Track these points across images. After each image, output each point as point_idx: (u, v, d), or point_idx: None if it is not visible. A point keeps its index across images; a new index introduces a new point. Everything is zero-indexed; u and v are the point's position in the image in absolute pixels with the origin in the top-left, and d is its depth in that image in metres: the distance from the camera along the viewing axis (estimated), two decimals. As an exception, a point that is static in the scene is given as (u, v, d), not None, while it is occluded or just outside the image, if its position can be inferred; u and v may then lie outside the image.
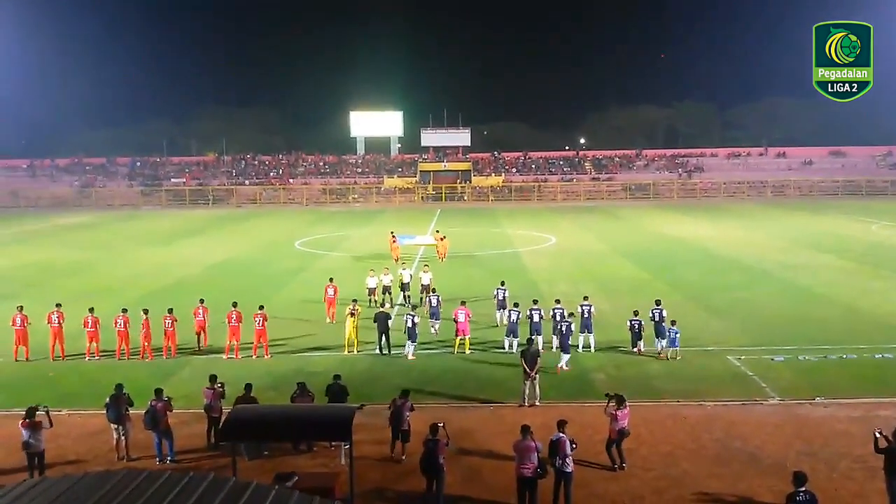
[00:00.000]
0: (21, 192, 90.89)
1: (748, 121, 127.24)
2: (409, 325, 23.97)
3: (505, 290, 28.28)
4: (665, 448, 17.01)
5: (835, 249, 45.02)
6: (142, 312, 24.80)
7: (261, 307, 25.10)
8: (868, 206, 73.97)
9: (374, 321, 24.52)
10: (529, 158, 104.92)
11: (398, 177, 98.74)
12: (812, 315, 28.82)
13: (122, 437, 17.04)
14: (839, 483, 15.15)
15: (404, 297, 31.55)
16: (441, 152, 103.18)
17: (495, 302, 28.24)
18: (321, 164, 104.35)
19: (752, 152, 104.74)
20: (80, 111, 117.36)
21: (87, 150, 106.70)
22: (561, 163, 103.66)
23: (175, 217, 75.88)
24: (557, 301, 25.11)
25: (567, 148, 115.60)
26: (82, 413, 19.55)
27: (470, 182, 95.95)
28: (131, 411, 17.24)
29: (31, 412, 16.08)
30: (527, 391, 19.86)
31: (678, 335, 23.39)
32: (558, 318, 23.92)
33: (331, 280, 30.07)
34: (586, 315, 24.25)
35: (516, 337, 24.09)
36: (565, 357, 22.62)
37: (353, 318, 24.67)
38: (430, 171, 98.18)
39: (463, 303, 25.16)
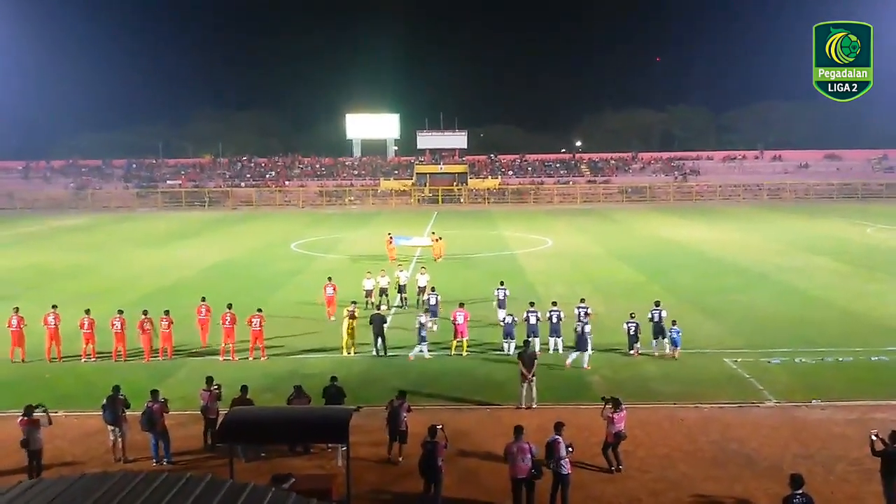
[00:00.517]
0: (16, 193, 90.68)
1: (744, 124, 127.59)
2: (417, 325, 24.24)
3: (505, 289, 28.57)
4: (662, 450, 17.02)
5: (831, 252, 45.11)
6: (141, 314, 24.86)
7: (259, 310, 25.10)
8: (863, 210, 74.19)
9: (370, 323, 24.53)
10: (526, 161, 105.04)
11: (394, 179, 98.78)
12: (808, 317, 28.87)
13: (119, 439, 17.00)
14: (836, 486, 15.17)
15: (401, 298, 31.56)
16: (437, 155, 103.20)
17: (496, 302, 28.49)
18: (317, 166, 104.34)
19: (747, 156, 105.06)
20: (76, 113, 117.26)
21: (83, 153, 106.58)
22: (557, 165, 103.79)
23: (171, 219, 75.77)
24: (554, 303, 25.13)
25: (563, 151, 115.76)
26: (79, 414, 19.50)
27: (466, 184, 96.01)
28: (128, 413, 17.21)
29: (28, 410, 16.11)
30: (524, 393, 19.87)
31: (680, 334, 23.56)
32: (555, 319, 24.05)
33: (329, 279, 30.36)
34: (583, 317, 24.24)
35: (513, 339, 24.13)
36: (586, 355, 22.78)
37: (350, 320, 24.65)
38: (426, 174, 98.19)
39: (461, 305, 25.16)
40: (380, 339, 24.42)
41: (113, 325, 24.24)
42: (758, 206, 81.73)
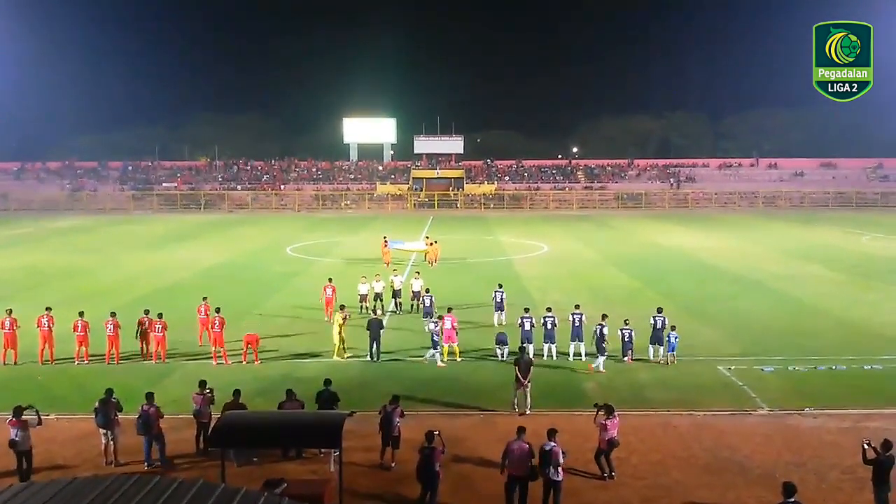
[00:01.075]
0: (11, 194, 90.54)
1: (740, 132, 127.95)
2: (427, 331, 24.48)
3: (503, 292, 28.89)
4: (655, 457, 17.02)
5: (825, 261, 45.21)
6: (142, 312, 25.13)
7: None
8: (859, 218, 74.40)
9: (367, 328, 24.49)
10: (522, 167, 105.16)
11: (391, 183, 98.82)
12: (802, 326, 28.92)
13: (111, 442, 16.95)
14: (828, 494, 15.18)
15: (395, 303, 31.54)
16: (434, 159, 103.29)
17: (494, 304, 28.68)
18: (314, 170, 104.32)
19: (743, 163, 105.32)
20: (73, 115, 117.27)
21: (80, 154, 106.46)
22: (553, 171, 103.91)
23: (166, 221, 75.68)
24: (549, 309, 25.13)
25: (560, 157, 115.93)
26: (70, 417, 19.45)
27: (462, 189, 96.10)
28: (122, 416, 17.17)
29: (18, 411, 16.08)
30: (517, 399, 19.87)
31: (677, 340, 23.66)
32: (549, 325, 24.09)
33: (329, 280, 30.65)
34: (577, 324, 24.25)
35: (506, 345, 24.17)
36: (601, 359, 22.99)
37: (342, 324, 24.65)
38: (422, 179, 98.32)
39: (450, 310, 25.15)
40: (375, 345, 24.40)
41: (107, 326, 24.19)
42: (753, 214, 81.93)
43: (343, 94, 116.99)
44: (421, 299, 29.96)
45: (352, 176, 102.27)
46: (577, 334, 24.25)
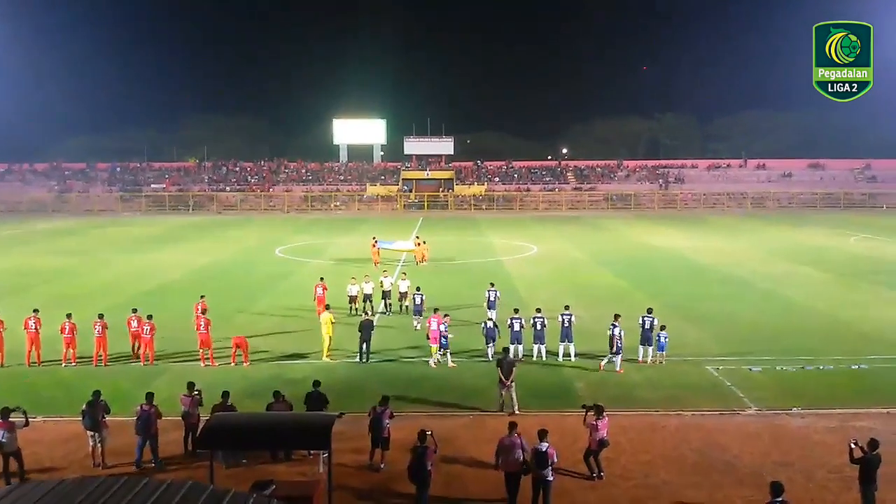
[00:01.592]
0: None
1: (729, 133, 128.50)
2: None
3: (495, 290, 29.13)
4: (644, 457, 17.07)
5: (813, 261, 45.45)
6: (131, 311, 25.22)
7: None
8: (846, 219, 74.85)
9: (360, 329, 24.44)
10: (512, 168, 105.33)
11: (381, 185, 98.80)
12: (790, 326, 29.06)
13: (99, 444, 16.87)
14: (815, 493, 15.26)
15: (385, 304, 31.55)
16: (424, 161, 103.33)
17: (486, 302, 28.88)
18: (303, 171, 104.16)
19: (732, 164, 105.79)
20: (62, 117, 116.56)
21: (69, 156, 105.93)
22: (543, 172, 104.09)
23: (154, 223, 75.41)
24: (538, 310, 25.14)
25: (550, 158, 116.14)
26: (58, 419, 19.35)
27: (452, 191, 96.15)
28: (108, 418, 17.10)
29: (5, 412, 16.02)
30: (503, 400, 19.91)
31: (667, 339, 23.74)
32: (538, 326, 24.12)
33: (321, 279, 30.79)
34: (567, 324, 24.29)
35: (494, 341, 24.36)
36: (616, 358, 23.10)
37: (331, 325, 24.72)
38: (412, 180, 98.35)
39: (436, 311, 25.16)
40: (365, 346, 24.37)
41: (94, 328, 24.08)
42: (741, 215, 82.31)
43: (333, 96, 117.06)
44: (411, 298, 30.06)
45: (341, 177, 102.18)
46: (566, 335, 24.28)
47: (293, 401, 18.06)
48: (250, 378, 22.65)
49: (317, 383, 18.41)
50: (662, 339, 23.77)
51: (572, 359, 24.16)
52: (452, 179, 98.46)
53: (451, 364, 23.70)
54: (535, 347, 24.26)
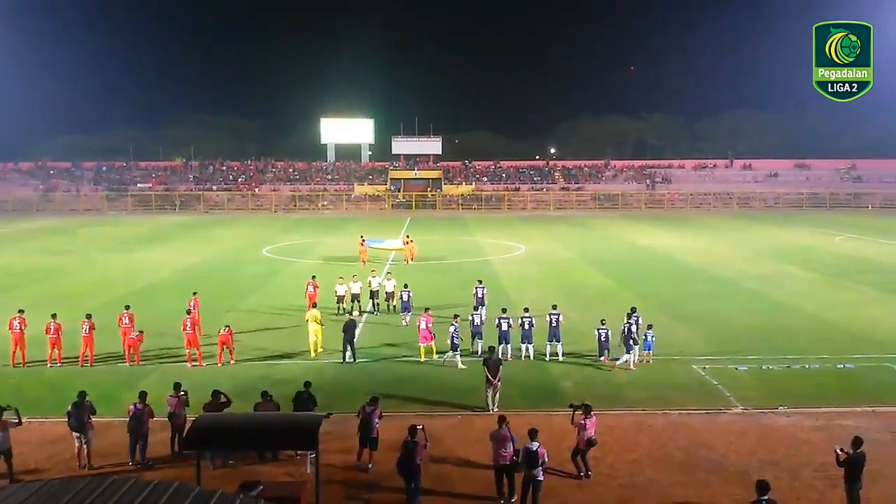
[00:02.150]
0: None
1: (715, 133, 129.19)
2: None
3: (483, 288, 29.44)
4: (631, 456, 17.13)
5: (799, 261, 45.72)
6: (124, 308, 25.24)
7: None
8: (832, 219, 75.36)
9: (343, 330, 24.38)
10: (500, 167, 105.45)
11: (368, 184, 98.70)
12: (776, 325, 29.22)
13: (84, 446, 16.77)
14: (801, 492, 15.35)
15: (373, 304, 31.52)
16: (412, 160, 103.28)
17: (474, 300, 28.98)
18: (291, 170, 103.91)
19: (718, 164, 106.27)
20: (48, 116, 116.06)
21: (54, 155, 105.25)
22: (531, 172, 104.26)
23: (141, 223, 75.04)
24: (526, 309, 25.19)
25: (537, 157, 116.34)
26: (43, 420, 19.21)
27: (440, 190, 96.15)
28: (93, 419, 17.01)
29: None
30: (489, 398, 19.95)
31: (654, 339, 23.82)
32: (527, 326, 24.14)
33: (313, 278, 31.09)
34: (554, 324, 24.33)
35: (481, 339, 24.51)
36: (628, 356, 23.32)
37: (317, 323, 24.89)
38: (400, 179, 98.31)
39: (426, 310, 25.17)
40: (349, 346, 24.32)
41: (82, 328, 23.92)
42: (728, 215, 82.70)
43: (321, 95, 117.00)
44: (398, 296, 30.13)
45: (329, 177, 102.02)
46: (553, 334, 24.33)
47: (281, 401, 18.00)
48: (238, 378, 22.55)
49: (307, 384, 18.34)
50: (649, 339, 23.84)
51: (560, 358, 24.20)
52: (440, 179, 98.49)
53: (461, 366, 23.41)
54: (523, 347, 24.29)
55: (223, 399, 17.64)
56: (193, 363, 23.94)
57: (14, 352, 23.85)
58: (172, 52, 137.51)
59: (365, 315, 30.57)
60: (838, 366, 23.72)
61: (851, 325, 29.23)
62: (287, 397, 18.25)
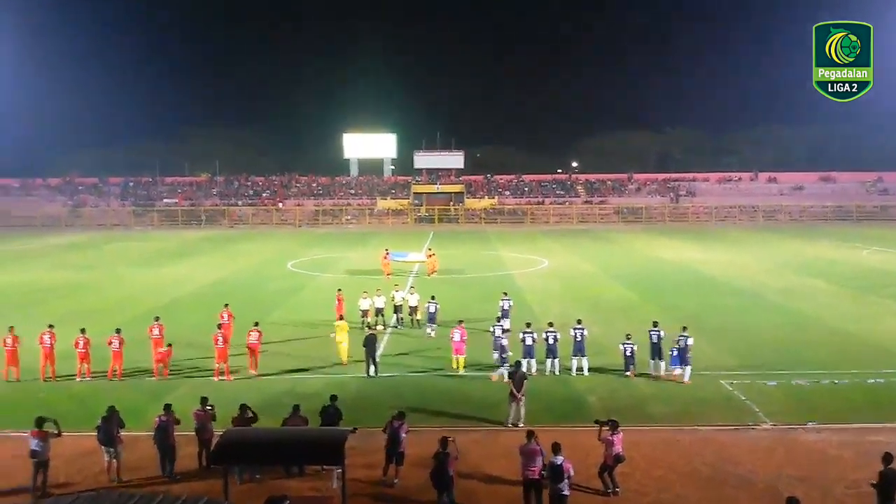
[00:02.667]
0: (13, 211, 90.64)
1: (740, 146, 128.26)
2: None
3: (509, 300, 30.08)
4: (658, 472, 16.99)
5: (826, 274, 45.24)
6: (154, 320, 26.03)
7: (256, 324, 25.78)
8: (858, 232, 74.48)
9: (364, 345, 24.44)
10: (522, 181, 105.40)
11: (391, 198, 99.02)
12: (804, 339, 28.91)
13: (114, 460, 16.92)
14: (832, 508, 15.15)
15: (397, 318, 31.57)
16: (434, 174, 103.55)
17: (500, 312, 29.03)
18: (314, 185, 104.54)
19: (743, 177, 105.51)
20: (73, 131, 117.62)
21: (80, 170, 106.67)
22: (553, 186, 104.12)
23: (167, 238, 75.76)
24: (550, 324, 25.12)
25: (560, 171, 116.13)
26: (73, 434, 19.35)
27: (463, 204, 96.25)
28: (122, 433, 17.16)
29: (39, 422, 16.36)
30: (512, 412, 19.89)
31: (677, 353, 23.63)
32: (551, 340, 24.05)
33: (339, 290, 31.64)
34: (579, 338, 24.23)
35: (505, 352, 24.46)
36: (686, 369, 23.38)
37: (345, 334, 25.75)
38: (423, 193, 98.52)
39: (460, 322, 25.26)
40: (372, 362, 24.38)
41: (111, 343, 24.18)
42: (753, 228, 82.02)
43: (343, 110, 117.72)
44: (424, 307, 30.49)
45: (352, 191, 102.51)
46: (578, 349, 24.24)
47: (307, 414, 18.06)
48: (263, 392, 22.67)
49: (333, 398, 18.37)
50: (674, 353, 23.67)
51: (585, 373, 24.10)
52: (463, 193, 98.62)
53: (506, 380, 22.41)
54: (548, 362, 24.20)
55: (250, 414, 17.71)
56: (220, 377, 24.10)
57: (44, 366, 24.13)
58: (195, 66, 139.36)
59: (389, 329, 30.63)
60: (868, 381, 23.41)
61: (880, 339, 28.84)
62: (312, 411, 18.28)
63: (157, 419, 17.23)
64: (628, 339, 24.05)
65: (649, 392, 22.62)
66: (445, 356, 25.71)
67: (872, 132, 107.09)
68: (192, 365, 25.66)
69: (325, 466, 16.85)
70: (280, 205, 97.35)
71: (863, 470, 14.31)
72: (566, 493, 14.58)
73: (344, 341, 25.72)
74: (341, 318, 26.93)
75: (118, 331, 24.68)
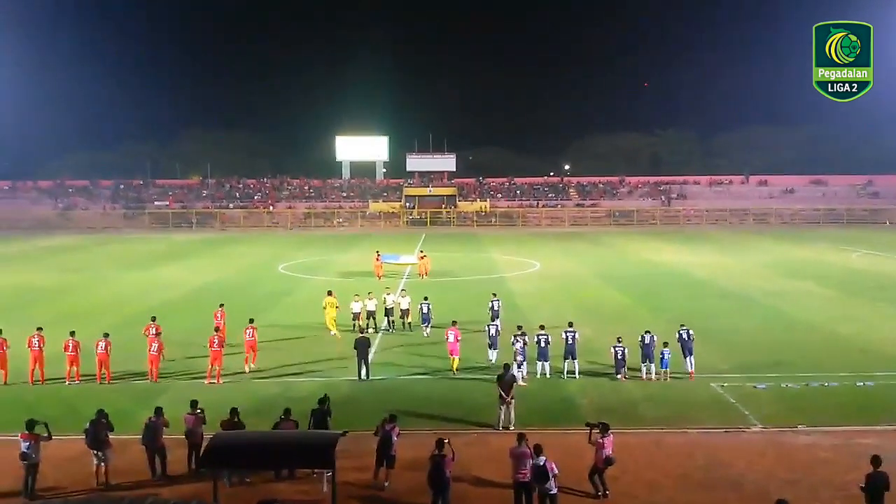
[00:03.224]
0: (2, 213, 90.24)
1: (731, 149, 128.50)
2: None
3: (499, 301, 30.24)
4: (648, 475, 17.00)
5: (816, 277, 45.41)
6: (150, 320, 26.20)
7: (251, 320, 26.18)
8: (849, 235, 74.79)
9: (355, 348, 24.38)
10: (514, 184, 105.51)
11: (383, 201, 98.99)
12: (794, 342, 29.00)
13: (102, 464, 16.81)
14: (821, 511, 15.18)
15: (388, 321, 31.53)
16: (426, 177, 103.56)
17: (490, 313, 29.33)
18: (306, 187, 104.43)
19: (734, 180, 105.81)
20: (64, 133, 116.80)
21: (71, 172, 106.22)
22: (545, 189, 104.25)
23: (158, 240, 75.53)
24: (542, 327, 25.10)
25: (552, 174, 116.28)
26: (62, 438, 19.24)
27: (455, 207, 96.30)
28: (111, 437, 17.06)
29: (30, 424, 16.30)
30: (502, 416, 19.90)
31: (670, 356, 23.78)
32: (543, 343, 24.03)
33: (329, 293, 31.28)
34: (570, 341, 24.23)
35: (496, 349, 24.93)
36: (690, 358, 24.14)
37: (333, 308, 28.39)
38: (415, 196, 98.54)
39: (454, 323, 25.32)
40: (363, 364, 24.32)
41: (98, 346, 24.05)
42: (744, 231, 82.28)
43: (336, 112, 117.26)
44: (418, 308, 30.60)
45: (344, 194, 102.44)
46: (569, 352, 24.23)
47: (298, 418, 17.98)
48: (254, 395, 22.61)
49: (322, 400, 18.27)
50: (666, 356, 23.72)
51: (576, 376, 24.11)
52: (455, 196, 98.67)
53: (521, 382, 22.60)
54: (539, 365, 24.20)
55: (237, 419, 17.61)
56: (212, 380, 24.01)
57: (32, 369, 23.98)
58: (186, 68, 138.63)
59: (380, 333, 30.60)
60: (858, 383, 23.47)
61: (869, 342, 28.95)
62: (303, 414, 18.22)
63: (147, 420, 17.16)
64: (619, 341, 24.07)
65: (640, 395, 22.64)
66: (437, 359, 25.71)
67: (863, 135, 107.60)
68: (183, 368, 25.56)
69: (315, 470, 16.81)
70: (272, 207, 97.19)
71: (852, 472, 14.34)
72: (554, 491, 14.63)
73: (330, 316, 28.67)
74: (329, 292, 30.36)
75: (106, 335, 24.54)
